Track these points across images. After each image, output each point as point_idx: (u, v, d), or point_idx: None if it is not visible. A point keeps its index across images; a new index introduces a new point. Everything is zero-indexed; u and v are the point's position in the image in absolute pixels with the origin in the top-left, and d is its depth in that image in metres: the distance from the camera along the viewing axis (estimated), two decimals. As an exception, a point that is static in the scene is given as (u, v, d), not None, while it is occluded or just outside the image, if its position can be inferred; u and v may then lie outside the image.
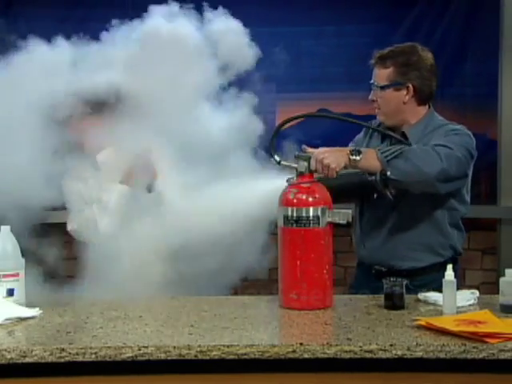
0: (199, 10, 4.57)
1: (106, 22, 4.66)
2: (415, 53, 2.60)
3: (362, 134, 2.77)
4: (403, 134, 2.62)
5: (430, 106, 2.67)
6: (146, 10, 4.65)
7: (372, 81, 2.63)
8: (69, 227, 2.76)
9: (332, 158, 2.37)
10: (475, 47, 4.52)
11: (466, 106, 4.45)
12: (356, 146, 2.56)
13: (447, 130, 2.56)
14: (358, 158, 2.40)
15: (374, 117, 2.81)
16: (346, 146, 2.64)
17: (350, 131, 2.77)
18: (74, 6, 4.61)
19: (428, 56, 2.62)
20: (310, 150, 2.40)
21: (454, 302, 2.20)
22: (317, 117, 2.49)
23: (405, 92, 2.59)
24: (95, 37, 4.71)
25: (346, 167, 2.42)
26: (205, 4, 4.39)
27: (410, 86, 2.58)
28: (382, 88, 2.61)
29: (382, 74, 2.61)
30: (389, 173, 2.40)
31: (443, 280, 2.21)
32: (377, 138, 2.71)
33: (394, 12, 4.55)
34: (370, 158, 2.41)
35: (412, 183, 2.45)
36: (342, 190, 2.52)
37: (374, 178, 2.46)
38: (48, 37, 4.56)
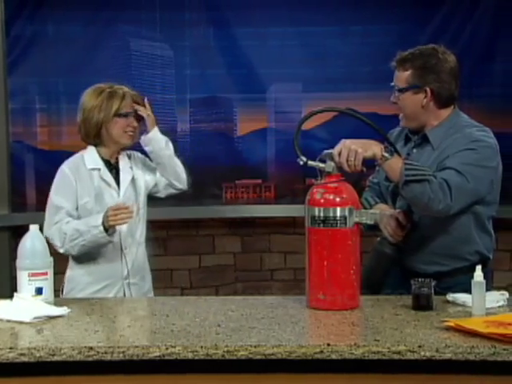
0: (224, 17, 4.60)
1: (133, 23, 4.71)
2: (434, 55, 2.55)
3: (394, 133, 2.74)
4: (425, 137, 2.58)
5: (454, 107, 2.62)
6: (173, 11, 4.70)
7: (393, 83, 2.61)
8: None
9: (361, 144, 2.36)
10: (503, 47, 4.47)
11: (494, 106, 4.40)
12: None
13: (468, 141, 2.49)
14: (389, 157, 2.39)
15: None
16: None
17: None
18: (102, 8, 4.63)
19: (449, 59, 2.56)
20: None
21: (483, 304, 2.17)
22: (339, 112, 2.45)
23: (423, 95, 2.55)
24: (123, 38, 4.76)
25: (373, 159, 2.42)
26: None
27: (428, 89, 2.54)
28: (401, 91, 2.57)
29: (401, 77, 2.58)
30: (402, 191, 2.41)
31: (472, 281, 2.18)
32: (402, 139, 2.69)
33: (421, 12, 4.51)
34: (394, 168, 2.41)
35: (416, 207, 2.49)
36: None
37: (388, 184, 2.56)
38: (76, 39, 4.62)
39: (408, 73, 2.55)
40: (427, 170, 2.42)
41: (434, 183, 2.38)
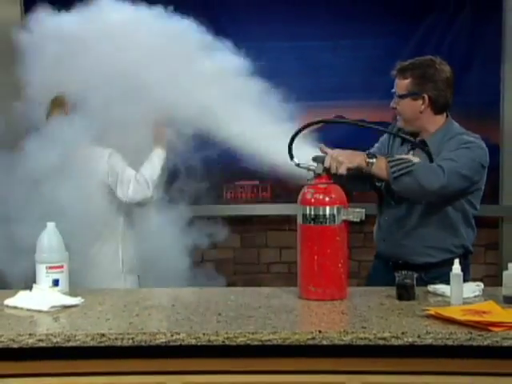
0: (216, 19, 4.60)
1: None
2: (432, 66, 2.61)
3: (386, 135, 2.77)
4: (423, 142, 2.62)
5: (447, 116, 2.67)
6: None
7: (393, 90, 2.65)
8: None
9: (346, 156, 2.39)
10: (479, 57, 4.48)
11: (470, 113, 4.40)
12: (377, 149, 2.55)
13: (460, 143, 2.54)
14: (373, 160, 2.41)
15: (386, 123, 2.83)
16: (364, 149, 2.63)
17: (366, 136, 2.77)
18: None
19: (445, 69, 2.62)
20: (327, 149, 2.41)
21: (460, 294, 2.19)
22: (335, 123, 2.47)
23: (421, 102, 2.60)
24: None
25: (359, 169, 2.44)
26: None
27: (426, 96, 2.59)
28: (401, 97, 2.63)
29: (401, 84, 2.63)
30: (393, 186, 2.44)
31: (451, 273, 2.20)
32: (398, 141, 2.72)
33: (405, 26, 4.52)
34: (382, 167, 2.44)
35: (413, 197, 2.51)
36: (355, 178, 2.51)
37: (380, 184, 2.56)
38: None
39: (408, 81, 2.60)
40: (410, 161, 2.45)
41: (420, 168, 2.42)
